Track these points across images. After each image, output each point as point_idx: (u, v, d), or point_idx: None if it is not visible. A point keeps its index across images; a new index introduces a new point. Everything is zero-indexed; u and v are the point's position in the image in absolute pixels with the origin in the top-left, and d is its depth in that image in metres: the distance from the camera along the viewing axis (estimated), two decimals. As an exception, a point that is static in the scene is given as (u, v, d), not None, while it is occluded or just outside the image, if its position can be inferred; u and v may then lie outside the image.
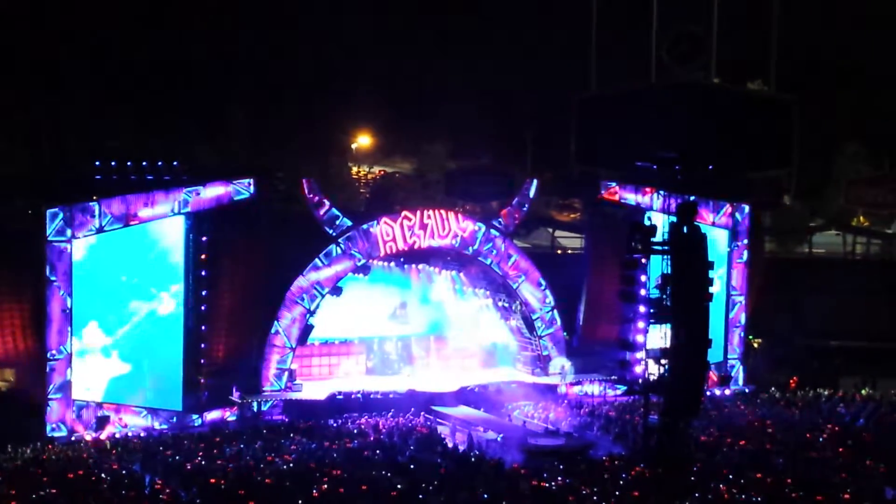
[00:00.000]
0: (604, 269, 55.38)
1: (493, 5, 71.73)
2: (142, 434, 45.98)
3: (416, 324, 58.25)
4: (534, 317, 56.24)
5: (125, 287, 47.64)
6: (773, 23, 69.77)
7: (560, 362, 56.12)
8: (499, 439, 45.58)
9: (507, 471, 39.64)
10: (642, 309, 43.06)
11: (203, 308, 48.85)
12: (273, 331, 50.90)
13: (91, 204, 46.05)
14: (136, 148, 55.29)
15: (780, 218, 70.30)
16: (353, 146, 74.40)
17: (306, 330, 51.73)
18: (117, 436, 45.62)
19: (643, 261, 43.25)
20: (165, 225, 48.16)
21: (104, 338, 47.19)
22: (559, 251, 68.32)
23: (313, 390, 51.91)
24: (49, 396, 45.27)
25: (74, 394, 46.04)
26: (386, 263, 55.20)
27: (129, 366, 47.72)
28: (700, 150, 58.39)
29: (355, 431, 46.09)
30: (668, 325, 41.49)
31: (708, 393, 52.18)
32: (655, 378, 41.96)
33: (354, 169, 73.23)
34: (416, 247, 53.65)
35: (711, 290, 41.86)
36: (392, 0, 71.19)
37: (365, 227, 52.50)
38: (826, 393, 54.41)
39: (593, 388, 55.35)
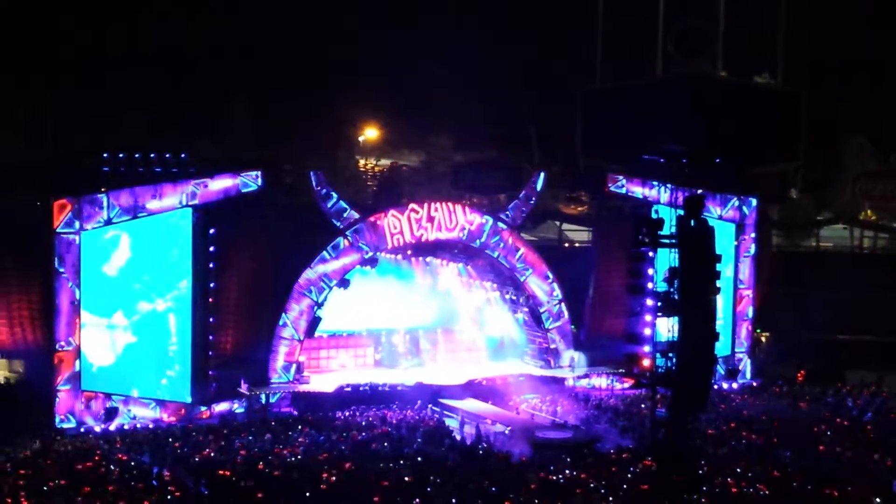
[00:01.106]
0: (611, 263, 55.40)
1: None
2: (150, 426, 46.10)
3: (424, 316, 58.33)
4: (541, 310, 56.29)
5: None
6: (781, 16, 69.74)
7: (570, 354, 56.19)
8: (506, 432, 45.63)
9: (514, 464, 39.72)
10: (650, 302, 43.02)
11: (211, 300, 48.92)
12: (281, 323, 50.97)
13: (99, 196, 46.13)
14: (144, 140, 55.31)
15: (788, 211, 70.28)
16: (360, 139, 74.38)
17: (314, 322, 51.79)
18: (126, 427, 45.74)
19: (650, 254, 43.20)
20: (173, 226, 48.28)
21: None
22: (566, 244, 68.35)
23: (321, 383, 52.02)
24: (57, 388, 45.37)
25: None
26: (393, 256, 55.33)
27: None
28: (707, 143, 58.37)
29: (363, 424, 46.17)
30: (676, 319, 41.44)
31: (715, 386, 52.22)
32: (663, 371, 41.92)
33: (361, 161, 73.23)
34: (423, 239, 53.69)
35: (718, 283, 41.82)
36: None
37: (372, 219, 52.54)
38: (837, 386, 54.37)
39: (601, 382, 55.42)
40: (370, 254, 52.55)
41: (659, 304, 42.06)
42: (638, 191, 56.63)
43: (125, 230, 47.04)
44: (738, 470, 38.34)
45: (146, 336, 47.52)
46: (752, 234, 58.99)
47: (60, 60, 64.40)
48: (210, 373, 48.86)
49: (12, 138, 61.12)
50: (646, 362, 42.45)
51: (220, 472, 37.52)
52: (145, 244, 47.51)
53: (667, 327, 41.61)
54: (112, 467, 38.13)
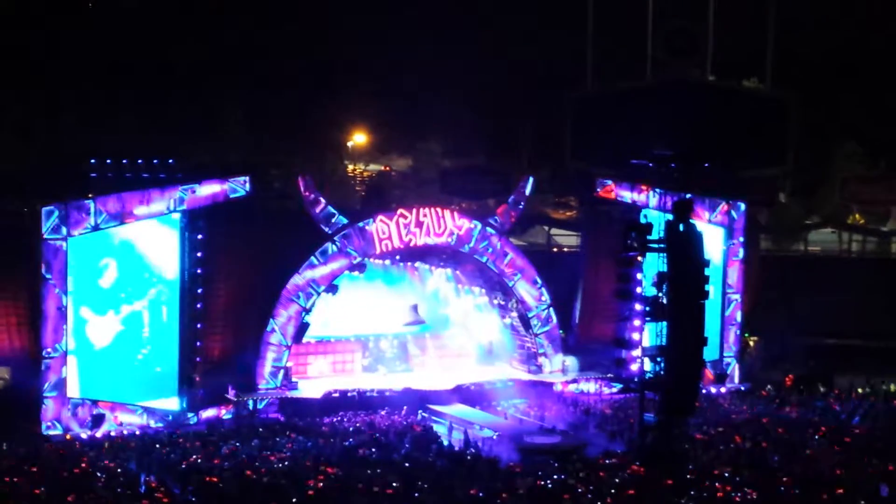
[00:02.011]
0: (600, 267, 55.44)
1: (490, 1, 71.69)
2: (137, 432, 45.92)
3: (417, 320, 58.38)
4: (530, 315, 56.23)
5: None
6: (770, 20, 69.81)
7: (562, 359, 56.16)
8: (494, 437, 45.56)
9: (502, 469, 39.64)
10: (638, 307, 43.05)
11: (198, 306, 48.88)
12: (269, 329, 50.87)
13: (86, 202, 46.00)
14: (131, 146, 55.19)
15: (776, 216, 70.30)
16: (349, 144, 74.31)
17: (302, 328, 51.69)
18: (113, 434, 45.55)
19: (639, 259, 43.23)
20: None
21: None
22: (555, 249, 68.32)
23: (308, 388, 51.91)
24: (44, 394, 45.16)
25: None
26: (382, 261, 55.25)
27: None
28: (696, 147, 58.39)
29: (351, 430, 46.06)
30: (664, 323, 41.46)
31: (703, 391, 52.20)
32: (651, 376, 41.95)
33: (350, 166, 73.17)
34: (411, 245, 53.61)
35: (707, 288, 41.84)
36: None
37: (361, 224, 52.45)
38: (825, 391, 54.44)
39: (589, 386, 55.36)
40: (358, 259, 52.47)
41: (647, 308, 42.17)
42: (627, 195, 56.64)
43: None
44: (726, 474, 38.29)
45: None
46: (741, 239, 58.95)
47: (53, 65, 64.17)
48: (197, 379, 48.82)
49: (1, 142, 60.85)
50: (634, 367, 42.57)
51: (208, 478, 37.38)
52: (132, 260, 48.29)
53: (655, 332, 41.72)
54: (99, 474, 37.95)
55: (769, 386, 56.11)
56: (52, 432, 44.98)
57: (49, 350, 45.29)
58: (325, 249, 51.87)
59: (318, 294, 51.73)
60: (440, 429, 47.29)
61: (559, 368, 56.11)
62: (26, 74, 63.10)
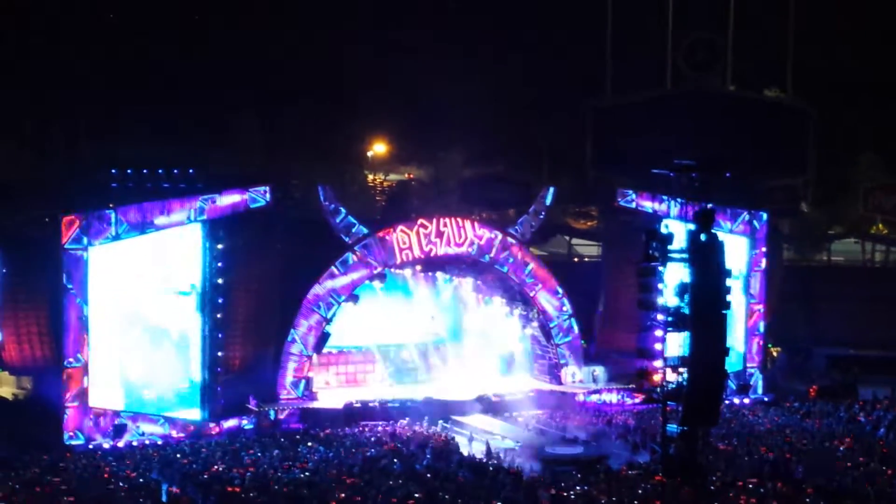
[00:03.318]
0: (621, 277, 55.20)
1: (510, 12, 71.66)
2: (159, 442, 45.93)
3: (433, 331, 58.21)
4: (551, 325, 56.13)
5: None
6: (790, 30, 69.67)
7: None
8: (516, 448, 45.37)
9: (525, 480, 39.45)
10: (660, 317, 42.74)
11: (219, 316, 48.85)
12: (289, 339, 50.85)
13: (107, 212, 46.06)
14: (152, 156, 55.32)
15: (799, 225, 70.00)
16: (369, 154, 74.27)
17: (323, 338, 51.65)
18: (135, 444, 45.56)
19: (661, 269, 42.94)
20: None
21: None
22: (576, 259, 68.18)
23: (329, 398, 51.85)
24: (66, 404, 45.19)
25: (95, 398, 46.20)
26: (402, 271, 55.17)
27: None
28: (717, 157, 58.17)
29: (372, 440, 45.94)
30: (687, 334, 41.18)
31: (727, 401, 51.89)
32: (674, 386, 41.66)
33: (370, 176, 73.14)
34: (432, 255, 53.59)
35: (729, 298, 41.56)
36: (407, 6, 71.10)
37: (381, 234, 52.40)
38: (849, 402, 54.05)
39: (611, 397, 55.15)
40: (379, 269, 52.41)
41: (669, 318, 41.83)
42: (648, 205, 56.47)
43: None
44: (750, 485, 37.99)
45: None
46: (763, 249, 58.66)
47: (73, 76, 64.38)
48: (218, 389, 48.82)
49: (22, 153, 61.04)
50: (656, 377, 42.22)
51: (229, 488, 37.29)
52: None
53: (678, 342, 41.42)
54: (121, 484, 37.92)
55: (792, 396, 55.77)
56: (74, 442, 45.00)
57: (70, 360, 45.32)
58: (345, 259, 51.84)
59: (339, 304, 51.69)
60: (461, 439, 47.13)
61: (588, 378, 55.94)
62: (47, 85, 63.32)
